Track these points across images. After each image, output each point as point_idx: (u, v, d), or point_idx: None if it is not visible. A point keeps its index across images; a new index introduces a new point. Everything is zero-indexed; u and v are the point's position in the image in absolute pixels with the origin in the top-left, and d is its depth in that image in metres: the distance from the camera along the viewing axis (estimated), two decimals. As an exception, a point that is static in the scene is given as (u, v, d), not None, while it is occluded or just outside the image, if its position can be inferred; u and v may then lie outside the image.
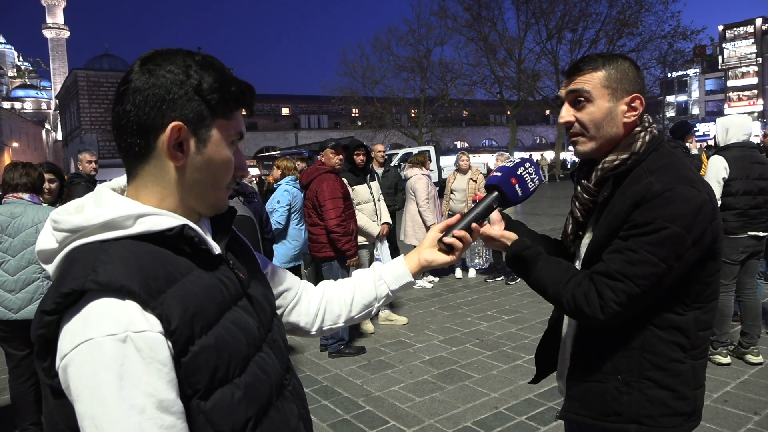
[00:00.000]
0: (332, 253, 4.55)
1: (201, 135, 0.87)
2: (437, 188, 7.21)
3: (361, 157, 5.31)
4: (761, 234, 3.97)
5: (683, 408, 1.34)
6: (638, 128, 1.37)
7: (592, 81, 1.33)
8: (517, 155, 1.49)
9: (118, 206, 0.83)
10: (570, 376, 1.46)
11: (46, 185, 3.74)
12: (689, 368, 1.34)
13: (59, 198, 3.89)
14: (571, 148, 1.49)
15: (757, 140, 5.83)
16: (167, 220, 0.84)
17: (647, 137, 1.35)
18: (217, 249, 0.90)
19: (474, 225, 1.21)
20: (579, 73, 1.35)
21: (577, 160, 1.56)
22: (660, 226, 1.21)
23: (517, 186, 1.25)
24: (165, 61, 0.85)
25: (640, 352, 1.32)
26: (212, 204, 0.93)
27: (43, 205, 3.38)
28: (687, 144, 5.53)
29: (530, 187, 1.28)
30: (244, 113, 0.95)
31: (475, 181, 7.01)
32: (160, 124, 0.84)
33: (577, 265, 1.47)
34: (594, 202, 1.40)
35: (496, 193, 1.25)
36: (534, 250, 1.42)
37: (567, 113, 1.38)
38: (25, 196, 3.25)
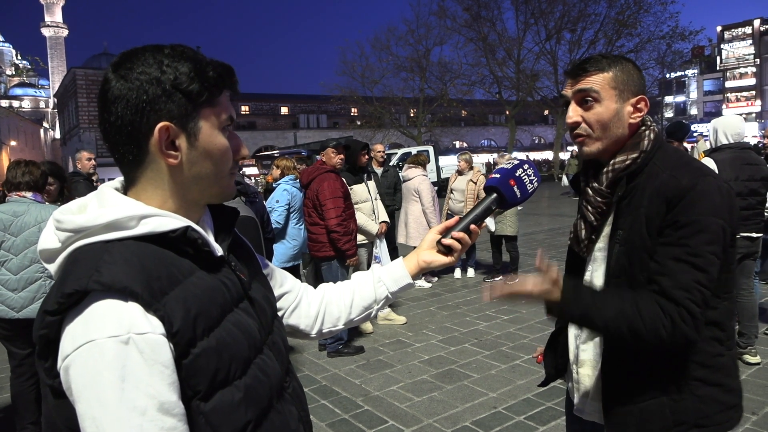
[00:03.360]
0: (332, 252, 4.55)
1: (190, 129, 0.85)
2: (436, 188, 7.19)
3: (366, 157, 5.35)
4: (754, 235, 3.98)
5: (733, 400, 1.35)
6: (642, 127, 1.39)
7: (600, 81, 1.34)
8: (517, 155, 1.49)
9: (121, 207, 0.83)
10: (616, 401, 1.40)
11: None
12: (729, 360, 1.36)
13: (59, 198, 3.87)
14: (569, 148, 1.49)
15: (755, 140, 5.84)
16: (171, 221, 0.84)
17: (651, 135, 1.37)
18: (219, 251, 0.90)
19: (473, 227, 1.21)
20: (586, 73, 1.36)
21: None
22: (709, 221, 1.22)
23: (515, 187, 1.26)
24: (136, 62, 0.83)
25: (685, 355, 1.31)
26: (218, 193, 0.93)
27: (46, 204, 3.36)
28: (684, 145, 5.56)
29: (529, 188, 1.28)
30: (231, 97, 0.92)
31: (475, 183, 6.97)
32: (147, 127, 0.83)
33: (590, 268, 1.47)
34: (608, 204, 1.40)
35: (494, 194, 1.26)
36: (584, 292, 1.32)
37: (574, 113, 1.38)
38: (29, 194, 3.23)
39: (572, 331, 1.55)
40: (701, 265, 1.22)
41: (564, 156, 31.47)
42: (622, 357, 1.37)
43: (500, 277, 7.15)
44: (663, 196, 1.27)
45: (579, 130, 1.38)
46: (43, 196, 3.74)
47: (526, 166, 1.28)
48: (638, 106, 1.37)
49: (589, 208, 1.42)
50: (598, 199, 1.40)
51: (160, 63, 0.83)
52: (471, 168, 7.23)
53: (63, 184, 3.96)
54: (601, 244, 1.43)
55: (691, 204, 1.23)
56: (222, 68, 0.88)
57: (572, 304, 1.27)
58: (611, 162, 1.37)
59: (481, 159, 30.74)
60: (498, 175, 1.27)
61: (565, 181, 20.05)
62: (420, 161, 6.95)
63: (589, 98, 1.35)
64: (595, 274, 1.45)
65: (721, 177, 3.93)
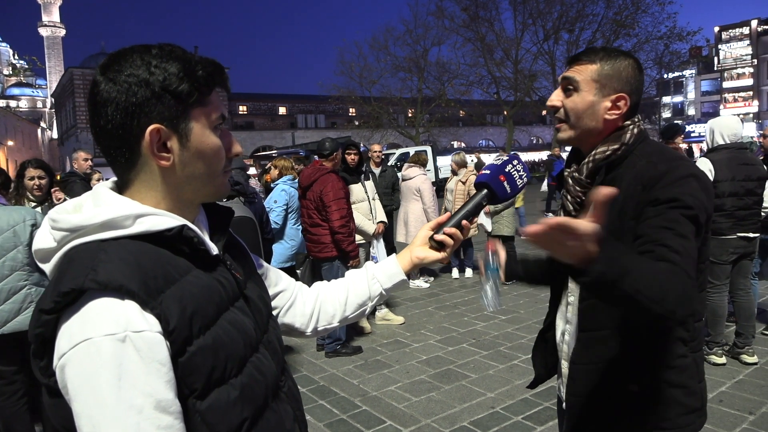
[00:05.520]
0: (335, 253, 4.55)
1: (181, 130, 0.85)
2: (434, 188, 7.19)
3: (353, 156, 5.34)
4: (751, 235, 3.99)
5: (694, 404, 1.35)
6: (628, 122, 1.40)
7: (584, 72, 1.37)
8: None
9: (117, 206, 0.83)
10: (579, 398, 1.40)
11: (35, 182, 3.60)
12: (692, 362, 1.34)
13: (47, 196, 3.74)
14: (567, 148, 1.50)
15: (753, 140, 5.87)
16: (166, 220, 0.84)
17: (635, 130, 1.38)
18: (215, 250, 0.90)
19: (464, 222, 1.22)
20: (577, 62, 1.39)
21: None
22: (687, 200, 1.20)
23: (505, 183, 1.27)
24: (124, 64, 0.82)
25: (652, 354, 1.31)
26: (212, 193, 0.93)
27: (15, 206, 3.15)
28: (681, 145, 5.60)
29: (518, 183, 1.30)
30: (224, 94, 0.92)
31: (464, 183, 6.94)
32: (138, 130, 0.82)
33: None
34: (586, 194, 1.41)
35: (485, 190, 1.27)
36: (623, 246, 1.07)
37: (555, 97, 1.42)
38: None
39: (560, 327, 1.55)
40: (683, 233, 1.17)
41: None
42: (590, 353, 1.37)
43: (498, 277, 7.14)
44: (639, 180, 1.27)
45: (558, 115, 1.42)
46: (33, 193, 3.59)
47: (515, 162, 1.30)
48: (617, 103, 1.36)
49: (569, 197, 1.44)
50: (577, 188, 1.42)
51: (148, 64, 0.82)
52: (464, 167, 7.21)
53: (52, 181, 3.79)
54: None
55: (669, 184, 1.22)
56: (211, 66, 0.88)
57: (617, 257, 1.00)
58: (592, 152, 1.39)
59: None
60: (488, 171, 1.28)
61: (544, 186, 19.29)
62: (421, 160, 6.94)
63: (570, 86, 1.39)
64: None
65: (717, 177, 3.93)
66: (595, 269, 0.97)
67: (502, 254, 1.64)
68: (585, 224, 0.92)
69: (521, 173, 1.29)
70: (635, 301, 1.01)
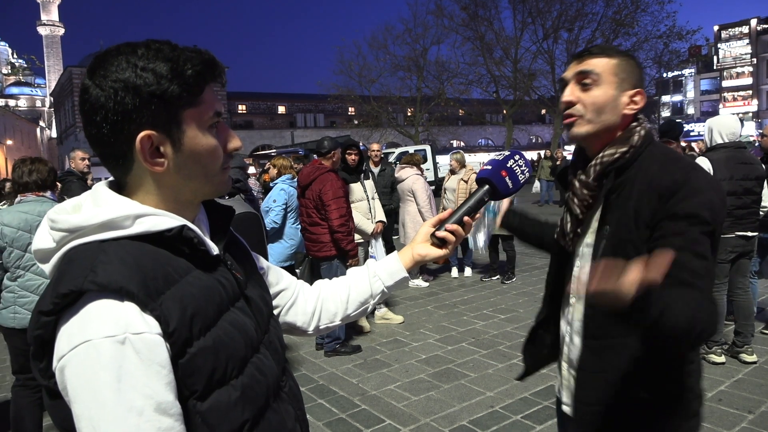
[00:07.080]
0: (334, 252, 4.55)
1: (173, 134, 0.83)
2: (432, 187, 7.16)
3: (353, 156, 5.34)
4: (749, 234, 4.00)
5: (697, 407, 1.35)
6: (634, 123, 1.38)
7: (604, 65, 1.34)
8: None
9: (116, 206, 0.82)
10: (586, 403, 1.38)
11: None
12: (696, 366, 1.35)
13: None
14: (567, 147, 1.50)
15: (751, 140, 5.84)
16: (166, 220, 0.83)
17: (642, 132, 1.37)
18: (215, 250, 0.89)
19: (466, 218, 1.22)
20: (591, 56, 1.36)
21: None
22: (706, 216, 1.18)
23: (507, 178, 1.25)
24: (109, 67, 0.79)
25: (664, 361, 1.30)
26: (211, 191, 0.92)
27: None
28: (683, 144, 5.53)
29: (520, 179, 1.28)
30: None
31: (466, 181, 6.93)
32: (129, 137, 0.81)
33: (578, 263, 1.46)
34: (593, 197, 1.39)
35: (487, 186, 1.26)
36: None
37: (571, 93, 1.37)
38: (47, 194, 3.00)
39: (562, 327, 1.54)
40: (703, 253, 1.17)
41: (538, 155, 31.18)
42: (599, 360, 1.36)
43: (497, 276, 7.17)
44: (654, 189, 1.25)
45: (572, 111, 1.37)
46: (55, 194, 3.63)
47: (517, 157, 1.29)
48: (635, 98, 1.36)
49: (575, 200, 1.41)
50: (585, 191, 1.39)
51: (135, 66, 0.79)
52: (463, 167, 7.21)
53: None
54: (589, 240, 1.42)
55: (687, 197, 1.21)
56: (202, 63, 0.83)
57: (656, 296, 0.99)
58: (600, 155, 1.37)
59: (478, 158, 30.64)
60: (490, 167, 1.27)
61: (537, 187, 18.74)
62: (414, 161, 6.91)
63: (589, 80, 1.34)
64: (583, 270, 1.44)
65: (716, 176, 3.93)
66: (639, 307, 0.97)
67: (505, 203, 1.73)
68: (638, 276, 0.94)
69: (523, 168, 1.28)
70: (669, 336, 1.02)
